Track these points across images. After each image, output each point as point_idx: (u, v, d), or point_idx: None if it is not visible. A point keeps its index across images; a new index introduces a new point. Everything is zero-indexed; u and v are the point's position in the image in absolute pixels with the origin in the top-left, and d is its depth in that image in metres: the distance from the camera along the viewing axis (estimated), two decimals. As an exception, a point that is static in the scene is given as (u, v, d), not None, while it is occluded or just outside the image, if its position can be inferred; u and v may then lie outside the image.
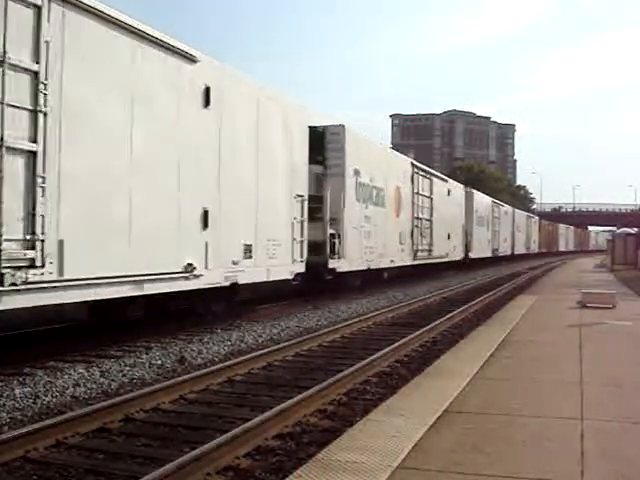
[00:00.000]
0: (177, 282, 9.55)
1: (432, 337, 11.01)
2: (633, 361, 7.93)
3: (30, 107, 6.98)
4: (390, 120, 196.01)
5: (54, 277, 7.30)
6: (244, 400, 6.77)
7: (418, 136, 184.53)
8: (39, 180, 7.04)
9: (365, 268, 18.04)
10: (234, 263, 11.06)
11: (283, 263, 12.93)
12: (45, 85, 7.09)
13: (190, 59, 9.74)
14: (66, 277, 7.47)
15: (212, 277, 10.42)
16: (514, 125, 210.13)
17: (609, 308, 13.53)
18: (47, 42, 7.09)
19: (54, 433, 5.22)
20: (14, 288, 6.74)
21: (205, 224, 10.11)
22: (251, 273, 11.62)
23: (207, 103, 10.12)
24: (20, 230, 6.89)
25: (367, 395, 6.96)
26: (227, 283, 10.93)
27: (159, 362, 8.56)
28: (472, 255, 33.32)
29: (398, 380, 7.60)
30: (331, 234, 15.75)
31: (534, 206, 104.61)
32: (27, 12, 6.91)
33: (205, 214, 10.12)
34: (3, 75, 6.58)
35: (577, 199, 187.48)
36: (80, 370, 7.79)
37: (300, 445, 5.20)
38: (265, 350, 9.11)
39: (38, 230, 7.03)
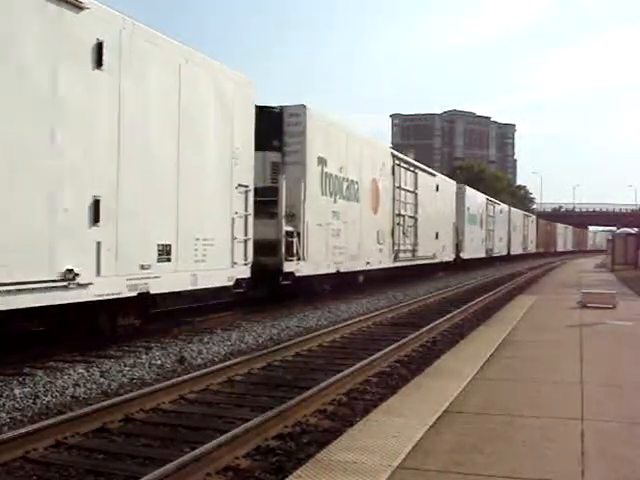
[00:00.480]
0: (49, 294, 7.30)
1: (432, 337, 11.01)
2: (633, 361, 7.93)
3: None
4: (390, 120, 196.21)
5: None
6: (244, 400, 6.77)
7: (418, 136, 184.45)
8: None
9: (334, 271, 15.80)
10: (144, 268, 8.83)
11: (218, 267, 10.51)
12: None
13: (75, 5, 7.61)
14: None
15: (107, 286, 8.20)
16: (514, 125, 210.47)
17: (609, 308, 13.53)
18: None
19: (54, 433, 5.21)
20: None
21: (96, 218, 7.88)
22: (170, 280, 9.37)
23: (99, 63, 7.97)
24: None
25: (367, 395, 6.95)
26: (133, 293, 8.70)
27: (159, 362, 8.56)
28: (464, 255, 31.39)
29: (398, 380, 7.60)
30: (288, 232, 13.49)
31: (534, 206, 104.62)
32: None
33: (96, 204, 7.88)
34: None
35: (577, 199, 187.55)
36: (80, 370, 7.79)
37: (300, 445, 5.20)
38: (265, 350, 9.11)
39: None
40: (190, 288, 10.03)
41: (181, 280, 9.73)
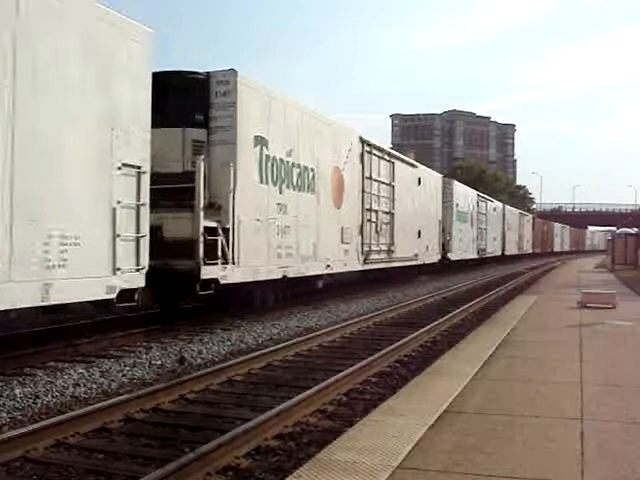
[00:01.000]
0: None
1: (432, 337, 11.01)
2: (633, 361, 7.93)
3: None
4: (390, 120, 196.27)
5: None
6: (244, 400, 6.77)
7: (418, 136, 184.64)
8: None
9: (279, 277, 12.81)
10: None
11: (89, 274, 7.79)
12: None
13: None
14: None
15: None
16: (514, 125, 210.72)
17: (609, 308, 13.53)
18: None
19: (54, 433, 5.22)
20: None
21: None
22: None
23: None
24: None
25: (367, 395, 6.95)
26: None
27: (159, 362, 8.56)
28: (452, 256, 28.68)
29: (398, 380, 7.60)
30: (208, 229, 10.57)
31: (534, 206, 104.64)
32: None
33: None
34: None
35: (577, 199, 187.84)
36: (80, 370, 7.79)
37: (300, 445, 5.20)
38: (265, 350, 9.11)
39: None
40: (39, 304, 7.24)
41: (21, 294, 6.88)
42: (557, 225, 78.89)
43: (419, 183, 23.45)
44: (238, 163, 11.34)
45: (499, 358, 7.75)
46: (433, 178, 26.78)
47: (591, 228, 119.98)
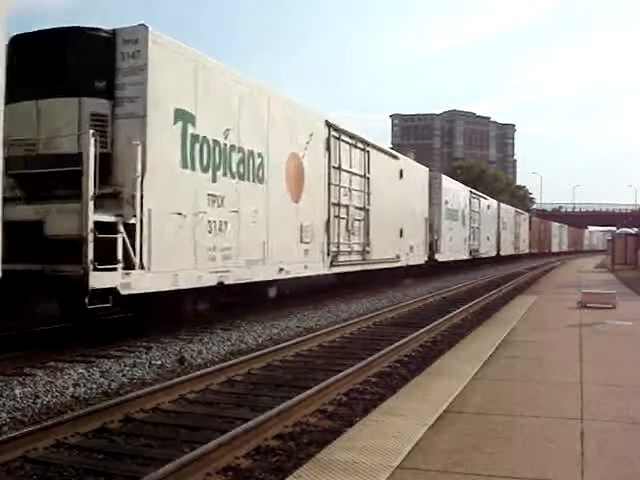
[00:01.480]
0: None
1: (432, 337, 11.01)
2: (633, 361, 7.93)
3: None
4: (390, 120, 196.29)
5: None
6: (244, 400, 6.77)
7: (418, 136, 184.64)
8: None
9: (214, 283, 10.50)
10: None
11: None
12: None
13: None
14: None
15: None
16: (514, 125, 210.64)
17: (609, 308, 13.53)
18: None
19: (54, 433, 5.22)
20: None
21: None
22: None
23: None
24: None
25: (367, 395, 6.95)
26: None
27: (159, 362, 8.56)
28: (441, 257, 26.25)
29: (398, 380, 7.60)
30: (102, 224, 8.33)
31: (534, 206, 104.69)
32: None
33: None
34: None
35: (577, 199, 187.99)
36: (80, 370, 7.79)
37: (300, 445, 5.20)
38: (265, 350, 9.11)
39: None
40: None
41: None
42: (555, 224, 76.86)
43: (401, 176, 20.90)
44: (149, 142, 9.01)
45: (499, 358, 7.75)
46: (418, 171, 24.14)
47: (591, 228, 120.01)
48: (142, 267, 8.95)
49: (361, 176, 17.30)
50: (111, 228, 8.51)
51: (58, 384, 7.16)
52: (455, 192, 30.01)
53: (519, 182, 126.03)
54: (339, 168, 15.69)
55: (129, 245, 8.72)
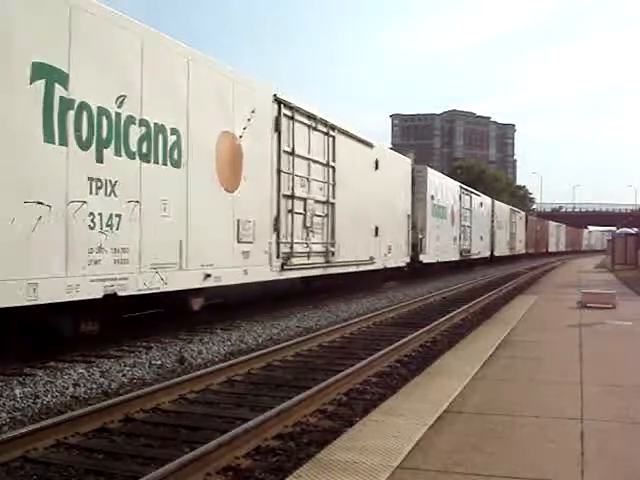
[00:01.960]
0: None
1: (432, 337, 11.01)
2: (633, 361, 7.93)
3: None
4: (390, 120, 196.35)
5: None
6: (244, 400, 6.77)
7: (418, 136, 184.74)
8: None
9: (98, 296, 8.04)
10: None
11: None
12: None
13: None
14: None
15: None
16: (514, 125, 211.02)
17: (609, 308, 13.53)
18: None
19: (54, 433, 5.22)
20: None
21: None
22: None
23: None
24: None
25: (367, 395, 6.95)
26: None
27: (159, 362, 8.56)
28: (425, 259, 23.80)
29: (398, 380, 7.60)
30: None
31: (534, 206, 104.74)
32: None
33: None
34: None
35: (577, 199, 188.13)
36: (80, 370, 7.79)
37: (300, 445, 5.20)
38: (265, 350, 9.10)
39: None
40: None
41: None
42: (552, 224, 74.62)
43: (376, 167, 18.30)
44: None
45: (499, 358, 7.75)
46: (398, 163, 21.46)
47: (591, 228, 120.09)
48: None
49: (324, 164, 14.72)
50: None
51: (58, 384, 7.17)
52: (443, 187, 27.38)
53: (519, 182, 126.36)
54: (293, 153, 13.16)
55: None
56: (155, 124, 9.14)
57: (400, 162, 21.91)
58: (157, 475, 4.18)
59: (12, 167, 7.03)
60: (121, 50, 8.62)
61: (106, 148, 8.31)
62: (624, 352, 8.61)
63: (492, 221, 39.47)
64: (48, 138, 7.44)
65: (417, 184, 23.62)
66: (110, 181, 8.31)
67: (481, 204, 36.36)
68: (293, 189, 13.24)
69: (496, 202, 42.35)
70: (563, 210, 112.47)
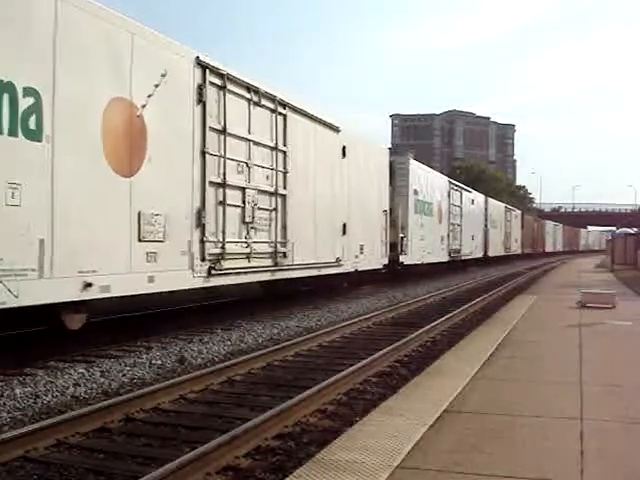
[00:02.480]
0: None
1: (432, 337, 11.02)
2: (633, 361, 7.93)
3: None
4: (390, 120, 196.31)
5: None
6: (244, 400, 6.78)
7: (418, 136, 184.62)
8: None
9: None
10: None
11: None
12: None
13: None
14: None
15: None
16: (514, 125, 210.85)
17: (609, 308, 13.53)
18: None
19: (54, 433, 5.22)
20: None
21: None
22: None
23: None
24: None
25: (367, 395, 6.96)
26: None
27: (159, 362, 8.57)
28: (408, 260, 21.71)
29: (398, 380, 7.61)
30: None
31: (534, 206, 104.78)
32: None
33: None
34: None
35: (577, 199, 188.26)
36: (80, 370, 7.80)
37: (300, 445, 5.20)
38: (265, 350, 9.11)
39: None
40: None
41: None
42: (549, 223, 72.61)
43: (344, 154, 15.90)
44: None
45: (499, 358, 7.75)
46: (373, 152, 18.83)
47: (590, 228, 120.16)
48: None
49: (271, 148, 12.36)
50: None
51: (58, 384, 7.17)
52: (429, 181, 25.20)
53: (519, 182, 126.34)
54: (224, 132, 10.72)
55: None
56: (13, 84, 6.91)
57: (375, 151, 19.26)
58: (157, 475, 4.19)
59: None
60: None
61: None
62: (624, 352, 8.61)
63: (485, 219, 37.65)
64: None
65: (398, 177, 21.66)
66: None
67: (473, 201, 34.36)
68: (225, 176, 10.75)
69: (490, 199, 40.43)
70: (563, 210, 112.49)
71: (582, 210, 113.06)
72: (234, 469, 4.66)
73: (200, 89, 10.16)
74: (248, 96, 11.61)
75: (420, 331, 10.92)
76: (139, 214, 8.88)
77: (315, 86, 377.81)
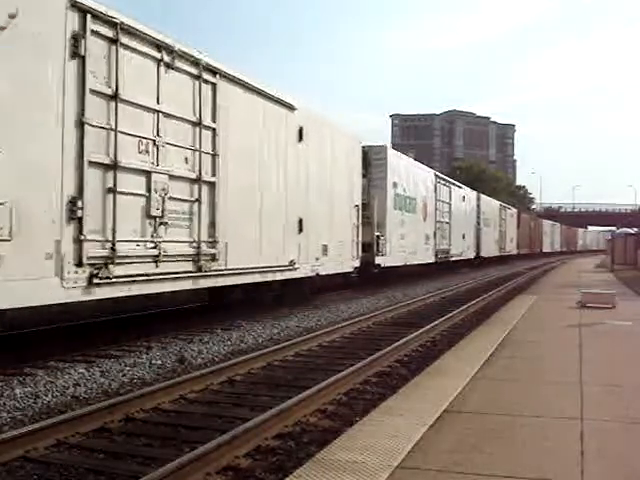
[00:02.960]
0: None
1: (432, 337, 11.01)
2: (633, 361, 7.93)
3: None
4: (390, 120, 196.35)
5: None
6: (244, 400, 6.78)
7: (418, 136, 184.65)
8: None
9: None
10: None
11: None
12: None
13: None
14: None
15: None
16: (514, 125, 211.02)
17: (609, 308, 13.53)
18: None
19: (54, 433, 5.22)
20: None
21: None
22: None
23: None
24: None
25: (367, 395, 6.96)
26: None
27: (159, 362, 8.56)
28: (385, 261, 19.34)
29: (398, 380, 7.61)
30: None
31: (534, 206, 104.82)
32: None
33: None
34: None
35: (577, 199, 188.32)
36: (80, 370, 7.80)
37: (300, 445, 5.21)
38: (265, 350, 9.11)
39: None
40: None
41: None
42: (547, 222, 70.15)
43: (300, 137, 13.56)
44: None
45: (499, 358, 7.75)
46: (339, 137, 16.00)
47: (590, 228, 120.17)
48: None
49: (193, 123, 9.92)
50: None
51: (59, 384, 7.17)
52: (411, 174, 22.41)
53: (519, 182, 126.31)
54: (116, 97, 8.28)
55: None
56: None
57: (345, 137, 16.54)
58: (157, 475, 4.19)
59: None
60: None
61: None
62: (624, 352, 8.61)
63: (478, 217, 35.02)
64: None
65: (374, 168, 19.30)
66: None
67: (464, 198, 31.67)
68: (116, 155, 8.24)
69: (482, 196, 37.46)
70: (562, 210, 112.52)
71: (582, 210, 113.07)
72: (234, 469, 4.66)
73: (76, 40, 7.68)
74: (157, 55, 9.11)
75: (420, 331, 10.92)
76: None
77: (315, 86, 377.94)
